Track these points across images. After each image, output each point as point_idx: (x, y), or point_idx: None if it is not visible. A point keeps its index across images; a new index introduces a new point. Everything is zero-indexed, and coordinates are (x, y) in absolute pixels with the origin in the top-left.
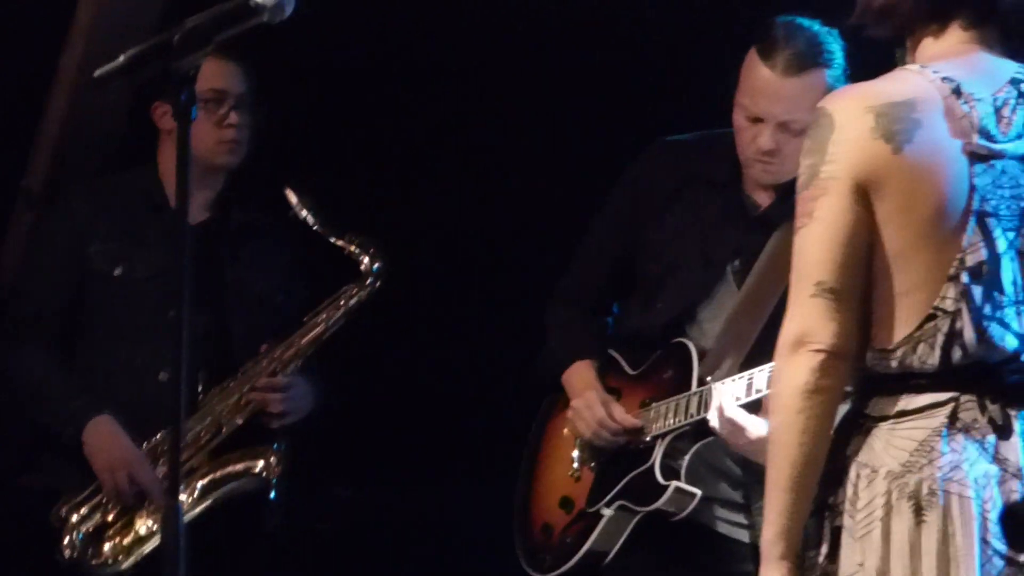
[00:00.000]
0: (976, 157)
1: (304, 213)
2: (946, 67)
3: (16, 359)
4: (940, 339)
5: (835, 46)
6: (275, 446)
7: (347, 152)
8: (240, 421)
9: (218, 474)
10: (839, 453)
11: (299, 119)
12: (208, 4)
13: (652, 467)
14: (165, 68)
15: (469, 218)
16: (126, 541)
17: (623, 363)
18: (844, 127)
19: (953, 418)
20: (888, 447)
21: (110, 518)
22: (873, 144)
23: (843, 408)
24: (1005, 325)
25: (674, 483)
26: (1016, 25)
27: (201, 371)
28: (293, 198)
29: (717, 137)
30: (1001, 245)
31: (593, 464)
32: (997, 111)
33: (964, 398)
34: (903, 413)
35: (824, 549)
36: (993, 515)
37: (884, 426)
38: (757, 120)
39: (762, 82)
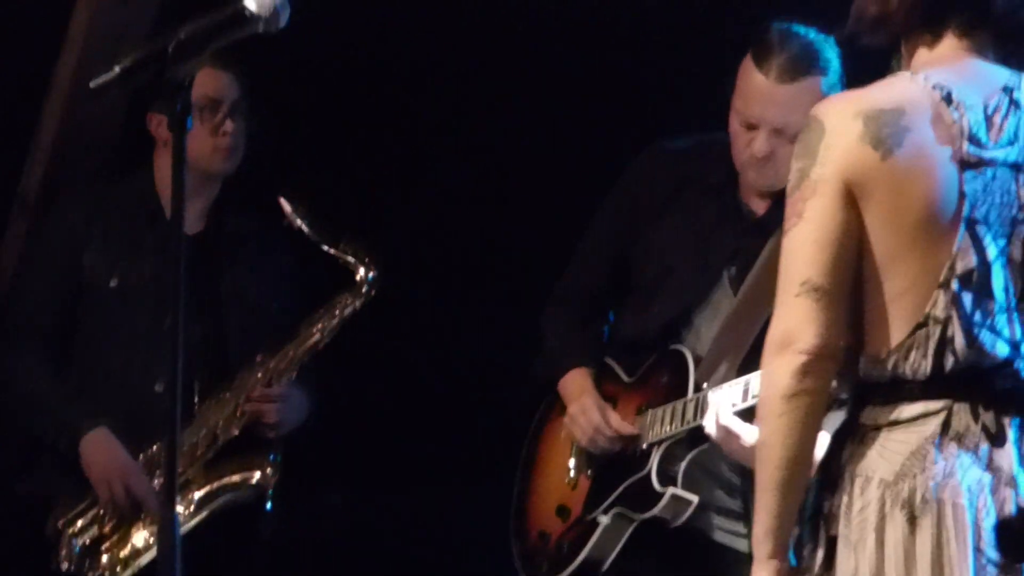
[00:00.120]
0: (966, 164)
1: (298, 222)
2: (938, 74)
3: (11, 369)
4: (932, 346)
5: (831, 53)
6: (270, 456)
7: (341, 156)
8: (235, 431)
9: (214, 485)
10: (834, 461)
11: (291, 124)
12: (202, 12)
13: (649, 474)
14: (160, 78)
15: (462, 222)
16: (123, 553)
17: (619, 370)
18: (834, 132)
19: (946, 426)
20: (882, 455)
21: (107, 530)
22: (862, 150)
23: (840, 416)
24: (996, 332)
25: (670, 490)
26: (1009, 30)
27: (196, 381)
28: (287, 207)
29: (713, 142)
30: (992, 252)
31: (589, 471)
32: (988, 118)
33: (957, 406)
34: (896, 421)
35: (819, 558)
36: (987, 523)
37: (878, 434)
38: (752, 126)
39: (756, 88)
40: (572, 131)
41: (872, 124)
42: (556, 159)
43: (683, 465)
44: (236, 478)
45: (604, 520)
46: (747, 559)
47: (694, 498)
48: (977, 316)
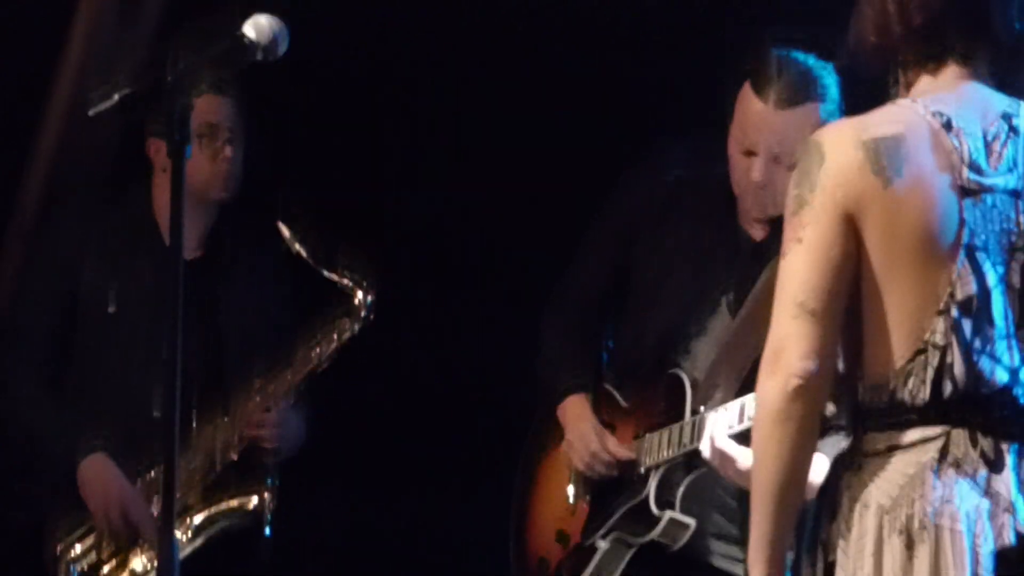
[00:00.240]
0: (966, 191)
1: (297, 246)
2: (937, 101)
3: (8, 394)
4: (930, 373)
5: (829, 80)
6: (268, 481)
7: (341, 154)
8: (233, 456)
9: (212, 511)
10: (833, 487)
11: (288, 146)
12: (200, 38)
13: (646, 498)
14: (159, 106)
15: (460, 238)
16: None
17: (617, 396)
18: (833, 159)
19: (944, 452)
20: (879, 481)
21: (105, 555)
22: (862, 178)
23: (839, 441)
24: (996, 359)
25: (668, 514)
26: (1009, 58)
27: (194, 407)
28: (286, 232)
29: (711, 169)
30: (991, 279)
31: (588, 497)
32: (987, 145)
33: (955, 432)
34: (895, 447)
35: None
36: (984, 549)
37: (876, 460)
38: (750, 152)
39: (755, 115)
40: (572, 138)
41: (872, 152)
42: (556, 166)
43: (681, 489)
44: (234, 503)
45: (603, 545)
46: None
47: (691, 522)
48: (976, 343)
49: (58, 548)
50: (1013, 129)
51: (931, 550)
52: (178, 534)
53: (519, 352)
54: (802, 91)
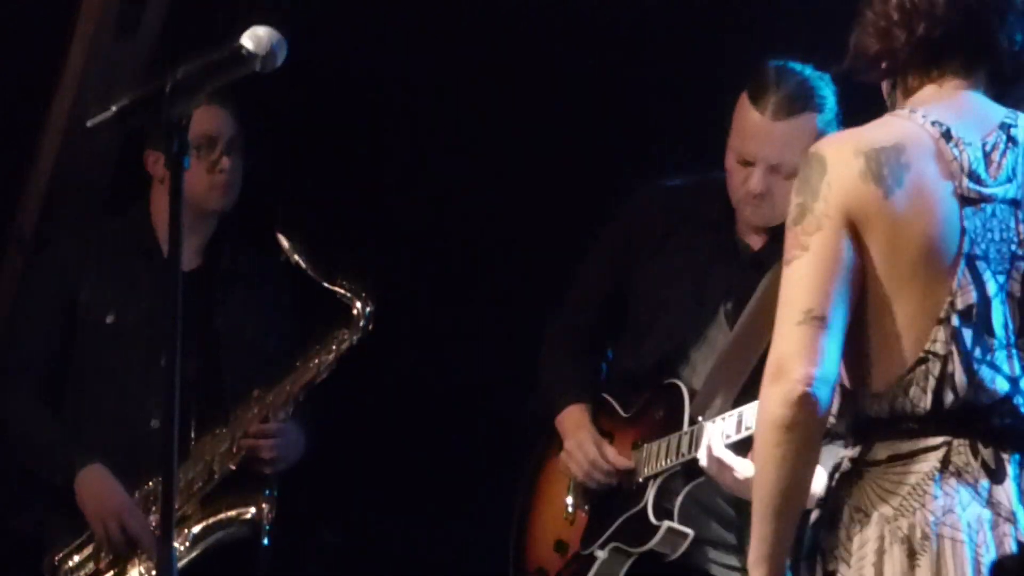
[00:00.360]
0: (966, 200)
1: (296, 257)
2: (935, 111)
3: (6, 406)
4: (931, 382)
5: (827, 90)
6: (266, 492)
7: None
8: (232, 467)
9: (210, 521)
10: (832, 497)
11: (287, 158)
12: (198, 50)
13: (645, 508)
14: (157, 118)
15: (459, 248)
16: None
17: (616, 405)
18: (836, 169)
19: (946, 462)
20: (881, 491)
21: (102, 565)
22: (864, 188)
23: (836, 451)
24: (996, 368)
25: (666, 523)
26: (1009, 70)
27: (193, 418)
28: (285, 242)
29: (710, 179)
30: (991, 288)
31: (587, 506)
32: (986, 155)
33: (956, 442)
34: (896, 457)
35: None
36: (986, 559)
37: (877, 470)
38: (747, 163)
39: (752, 125)
40: (571, 148)
41: (873, 162)
42: (554, 177)
43: (679, 499)
44: (232, 513)
45: (601, 555)
46: None
47: (690, 532)
48: (977, 352)
49: (56, 558)
50: (1011, 139)
51: (933, 560)
52: (176, 544)
53: (519, 362)
54: (799, 101)
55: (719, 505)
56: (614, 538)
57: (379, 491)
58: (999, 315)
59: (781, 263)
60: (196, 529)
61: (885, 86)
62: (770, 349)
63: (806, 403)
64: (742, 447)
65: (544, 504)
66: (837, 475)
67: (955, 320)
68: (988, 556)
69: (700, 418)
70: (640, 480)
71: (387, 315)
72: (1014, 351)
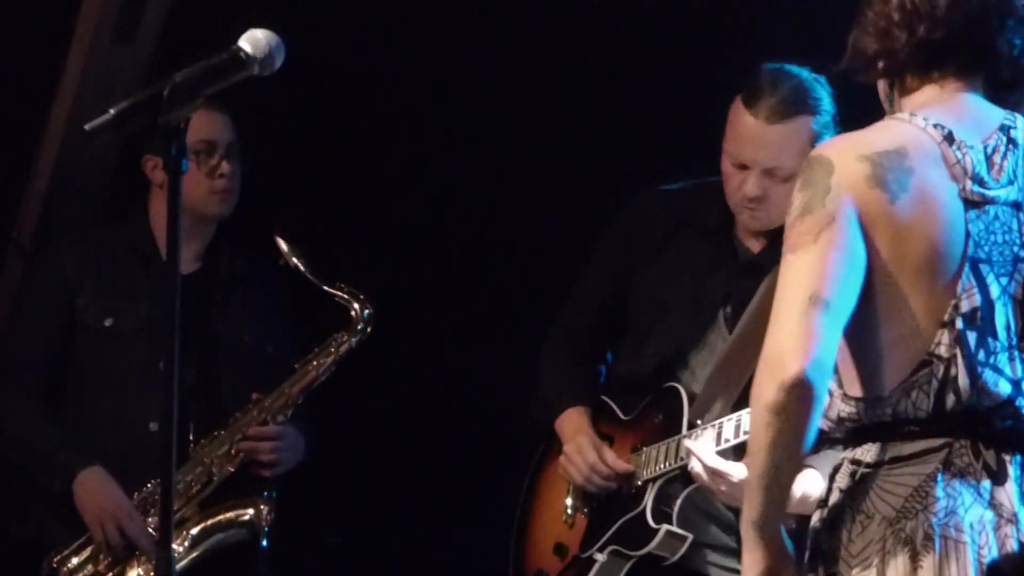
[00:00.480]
0: (970, 203)
1: (294, 260)
2: (936, 114)
3: (5, 410)
4: (934, 385)
5: (822, 93)
6: (266, 494)
7: (334, 192)
8: (231, 470)
9: (209, 523)
10: (834, 499)
11: (286, 163)
12: (197, 54)
13: (644, 511)
14: (155, 122)
15: (459, 251)
16: None
17: (615, 409)
18: (842, 171)
19: (947, 463)
20: (883, 493)
21: (101, 568)
22: (870, 192)
23: (835, 455)
24: (998, 371)
25: (665, 527)
26: (1007, 72)
27: (192, 421)
28: (283, 246)
29: (708, 184)
30: (995, 291)
31: (586, 510)
32: (988, 157)
33: (958, 443)
34: (897, 458)
35: None
36: (989, 560)
37: (878, 472)
38: (743, 167)
39: (747, 129)
40: (571, 151)
41: (878, 167)
42: (554, 181)
43: (678, 503)
44: (231, 515)
45: (600, 558)
46: None
47: (688, 535)
48: (980, 355)
49: (54, 560)
50: (1012, 141)
51: (936, 561)
52: (175, 546)
53: (518, 364)
54: (794, 104)
55: (718, 508)
56: (613, 541)
57: (379, 493)
58: (1002, 318)
59: (779, 266)
60: (195, 531)
61: (882, 86)
62: (768, 332)
63: (799, 389)
64: (741, 451)
65: (544, 507)
66: (838, 477)
67: (959, 323)
68: (991, 557)
69: (699, 422)
70: (639, 483)
71: (386, 318)
72: (1016, 353)
